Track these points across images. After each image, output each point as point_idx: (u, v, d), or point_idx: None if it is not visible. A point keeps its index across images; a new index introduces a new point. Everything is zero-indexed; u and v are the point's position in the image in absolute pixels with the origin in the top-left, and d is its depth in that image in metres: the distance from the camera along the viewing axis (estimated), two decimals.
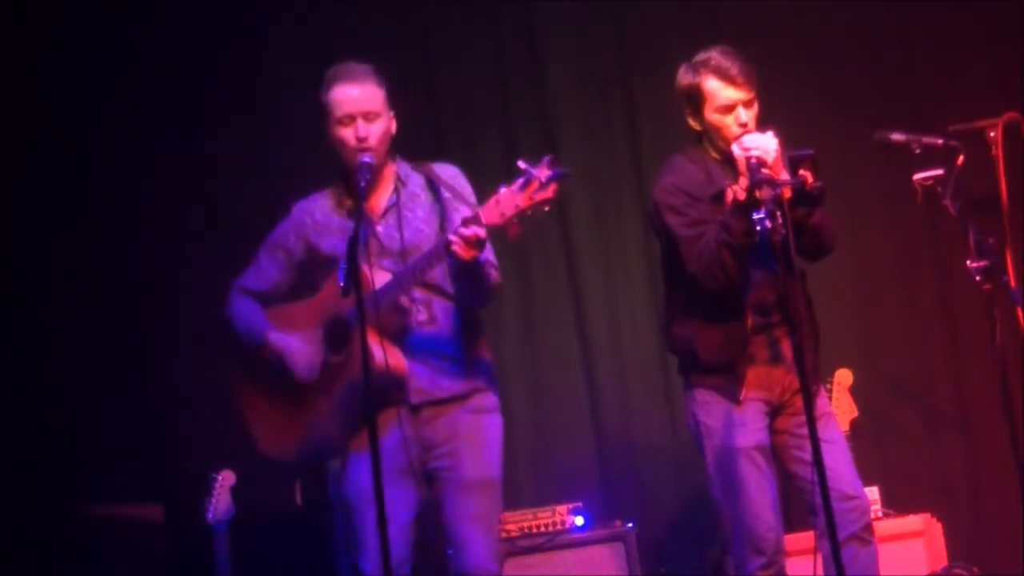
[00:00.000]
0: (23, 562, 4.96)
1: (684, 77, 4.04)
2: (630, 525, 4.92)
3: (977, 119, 4.85)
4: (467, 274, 3.79)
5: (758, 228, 3.54)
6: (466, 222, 3.64)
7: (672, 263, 4.05)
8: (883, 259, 5.59)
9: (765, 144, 3.74)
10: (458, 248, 3.63)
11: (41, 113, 5.37)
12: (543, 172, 3.54)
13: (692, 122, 4.07)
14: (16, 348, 5.19)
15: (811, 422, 3.48)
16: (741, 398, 3.97)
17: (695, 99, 4.01)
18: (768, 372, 4.00)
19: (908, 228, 5.54)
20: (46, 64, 5.38)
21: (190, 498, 4.83)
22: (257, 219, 4.38)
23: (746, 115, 3.96)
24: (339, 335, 3.91)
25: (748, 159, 3.71)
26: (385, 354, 3.77)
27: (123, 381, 5.33)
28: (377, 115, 3.92)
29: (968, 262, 3.91)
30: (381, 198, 3.98)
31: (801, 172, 3.74)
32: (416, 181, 4.03)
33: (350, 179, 3.93)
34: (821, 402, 4.08)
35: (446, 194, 3.96)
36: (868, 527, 3.95)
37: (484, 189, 5.54)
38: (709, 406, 4.03)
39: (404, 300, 3.88)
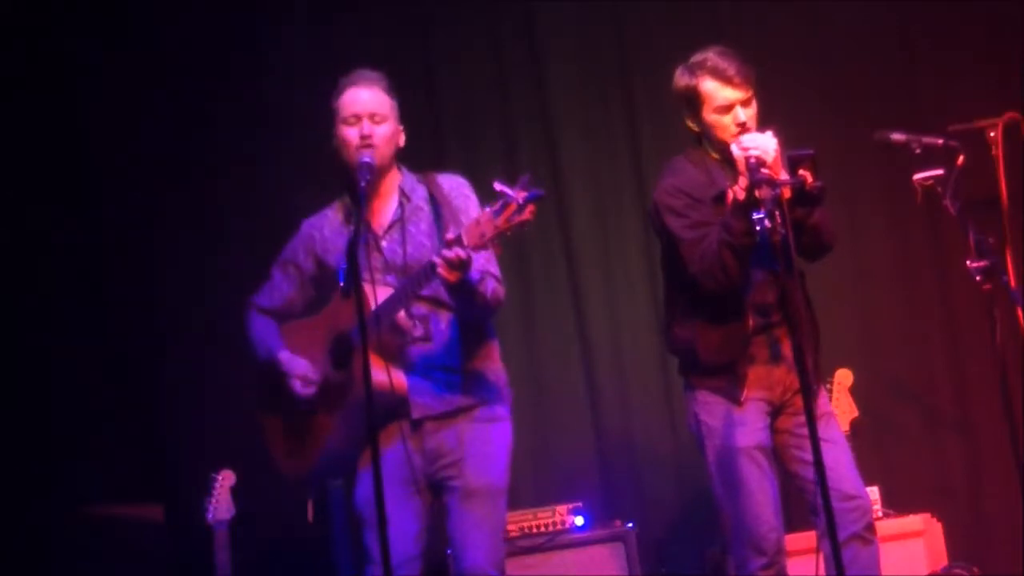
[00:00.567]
0: (23, 562, 4.96)
1: (681, 79, 4.04)
2: (630, 525, 4.92)
3: (977, 119, 4.85)
4: (458, 292, 3.79)
5: (758, 228, 3.54)
6: (449, 244, 3.65)
7: (672, 264, 4.05)
8: (883, 259, 5.59)
9: (764, 144, 3.74)
10: (442, 270, 3.65)
11: (43, 118, 5.37)
12: (520, 194, 3.55)
13: (690, 123, 4.07)
14: (17, 348, 5.19)
15: (811, 422, 3.48)
16: (742, 398, 3.97)
17: (693, 100, 4.01)
18: (769, 372, 4.00)
19: (908, 228, 5.54)
20: (46, 64, 5.38)
21: (190, 498, 4.83)
22: (261, 223, 4.41)
23: (744, 115, 3.95)
24: (342, 352, 3.91)
25: (747, 159, 3.71)
26: (388, 371, 3.79)
27: (123, 381, 5.33)
28: (384, 118, 3.91)
29: (968, 262, 3.91)
30: (386, 212, 3.97)
31: (801, 172, 3.74)
32: (420, 194, 4.01)
33: (351, 181, 3.93)
34: (822, 402, 4.08)
35: (445, 211, 3.95)
36: (870, 527, 3.94)
37: (484, 189, 5.58)
38: (710, 406, 4.03)
39: (402, 317, 3.87)
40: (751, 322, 3.96)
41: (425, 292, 3.84)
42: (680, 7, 5.64)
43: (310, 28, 5.58)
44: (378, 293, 3.79)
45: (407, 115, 4.02)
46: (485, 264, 3.84)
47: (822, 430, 3.62)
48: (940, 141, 4.18)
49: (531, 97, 5.74)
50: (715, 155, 4.04)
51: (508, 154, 5.71)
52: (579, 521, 4.97)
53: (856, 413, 4.98)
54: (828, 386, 4.82)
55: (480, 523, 3.85)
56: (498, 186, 3.59)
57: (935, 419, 5.53)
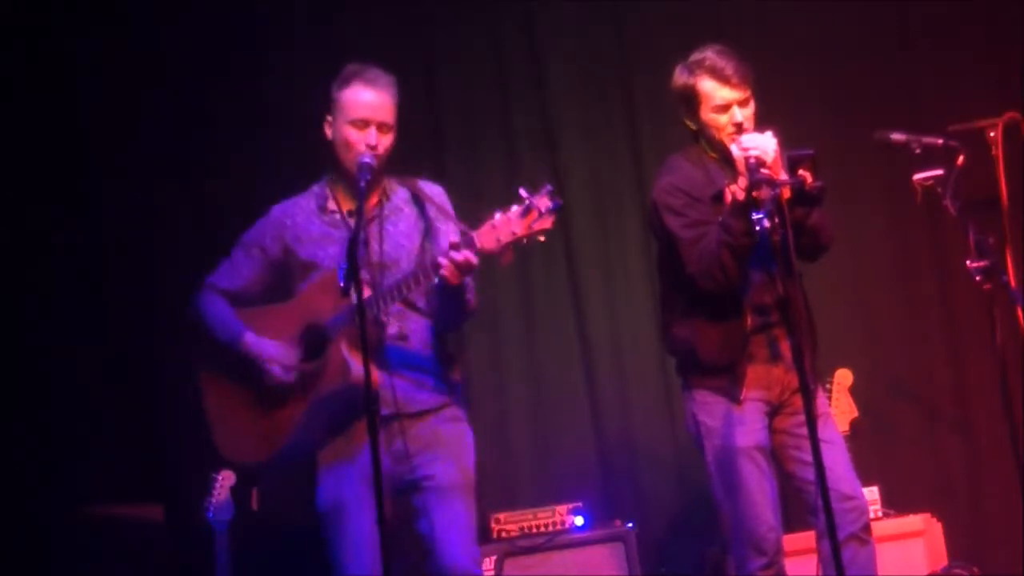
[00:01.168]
0: (23, 562, 4.96)
1: (679, 78, 4.05)
2: (630, 525, 4.92)
3: (977, 119, 4.85)
4: (450, 296, 3.80)
5: (757, 228, 3.54)
6: (456, 246, 3.64)
7: (670, 263, 4.05)
8: (883, 259, 5.59)
9: (764, 144, 3.74)
10: (447, 272, 3.65)
11: (43, 117, 5.37)
12: (543, 202, 3.55)
13: (688, 122, 4.08)
14: (17, 348, 5.19)
15: (811, 422, 3.48)
16: (741, 397, 3.97)
17: (691, 99, 4.02)
18: (767, 371, 4.00)
19: (908, 228, 5.54)
20: (46, 64, 5.38)
21: (190, 498, 4.83)
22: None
23: (741, 114, 3.96)
24: (315, 343, 3.88)
25: (747, 159, 3.71)
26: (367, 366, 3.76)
27: (123, 381, 5.33)
28: (390, 128, 3.91)
29: (968, 262, 3.91)
30: (365, 209, 3.93)
31: (800, 172, 3.74)
32: (401, 195, 4.01)
33: (347, 180, 3.92)
34: (820, 402, 4.08)
35: (432, 211, 3.95)
36: (867, 527, 3.95)
37: (483, 190, 5.60)
38: (709, 406, 4.03)
39: (382, 314, 3.86)
40: (750, 321, 3.96)
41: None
42: (680, 7, 5.64)
43: (310, 28, 5.58)
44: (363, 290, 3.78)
45: (407, 115, 4.02)
46: None
47: (820, 430, 3.62)
48: (940, 141, 4.18)
49: (531, 97, 5.74)
50: (713, 154, 4.04)
51: (508, 154, 5.71)
52: (579, 521, 4.97)
53: (856, 413, 4.98)
54: (827, 386, 4.83)
55: (459, 521, 3.84)
56: (523, 192, 3.60)
57: (935, 419, 5.53)
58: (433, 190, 4.04)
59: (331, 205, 3.98)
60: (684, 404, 4.14)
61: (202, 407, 4.04)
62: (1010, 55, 5.40)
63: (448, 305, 3.88)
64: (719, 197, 3.95)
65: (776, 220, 3.52)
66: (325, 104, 3.97)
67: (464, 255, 3.63)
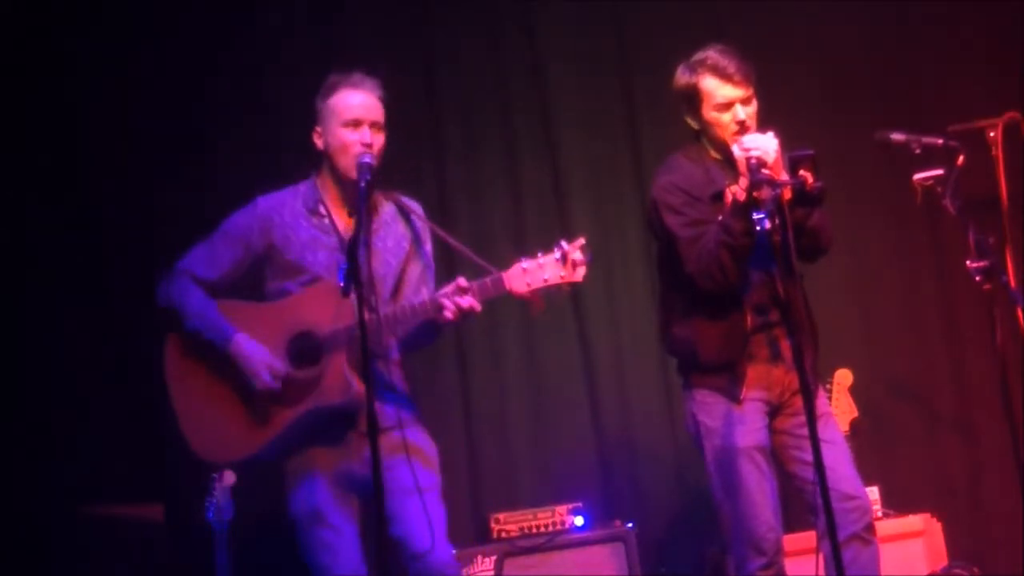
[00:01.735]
0: (23, 562, 4.95)
1: (682, 76, 4.05)
2: (630, 525, 4.92)
3: (977, 119, 4.85)
4: (435, 329, 3.86)
5: (757, 228, 3.54)
6: (463, 290, 3.67)
7: (670, 263, 4.05)
8: (883, 259, 5.60)
9: (765, 144, 3.74)
10: (449, 314, 3.69)
11: (43, 117, 5.36)
12: (577, 255, 3.57)
13: (690, 121, 4.08)
14: (17, 348, 5.19)
15: (811, 423, 3.48)
16: (742, 397, 3.97)
17: (693, 98, 4.02)
18: (767, 371, 4.00)
19: (908, 228, 5.54)
20: (45, 63, 5.37)
21: (190, 498, 4.82)
22: None
23: (743, 113, 3.96)
24: (306, 351, 3.86)
25: (748, 159, 3.71)
26: (357, 381, 3.79)
27: (124, 380, 5.33)
28: (381, 128, 3.93)
29: (968, 262, 3.91)
30: (353, 224, 3.89)
31: (801, 172, 3.74)
32: (388, 210, 4.02)
33: (340, 186, 3.92)
34: (820, 402, 4.08)
35: (418, 226, 3.96)
36: (869, 527, 3.95)
37: (483, 190, 5.60)
38: (709, 406, 4.03)
39: (385, 336, 3.90)
40: (750, 321, 3.96)
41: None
42: (680, 7, 5.64)
43: (310, 28, 5.58)
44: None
45: (407, 115, 4.02)
46: None
47: (821, 431, 3.62)
48: (940, 141, 4.18)
49: (531, 97, 5.73)
50: (714, 153, 4.04)
51: (508, 154, 5.71)
52: (579, 521, 4.97)
53: (856, 413, 4.98)
54: (828, 386, 4.83)
55: (438, 520, 3.84)
56: (563, 243, 3.66)
57: (935, 419, 5.53)
58: (414, 207, 4.06)
59: (321, 209, 3.97)
60: (684, 404, 4.14)
61: (169, 398, 3.99)
62: (1010, 55, 5.41)
63: (426, 333, 3.95)
64: (719, 196, 3.95)
65: (777, 220, 3.52)
66: (317, 118, 3.98)
67: (468, 302, 3.68)
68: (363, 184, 3.74)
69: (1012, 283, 4.17)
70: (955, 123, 4.69)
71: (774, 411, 4.04)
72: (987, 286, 3.90)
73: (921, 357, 5.56)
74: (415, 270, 4.01)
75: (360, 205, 3.71)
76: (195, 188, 5.45)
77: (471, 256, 3.89)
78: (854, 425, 4.94)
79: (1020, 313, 4.32)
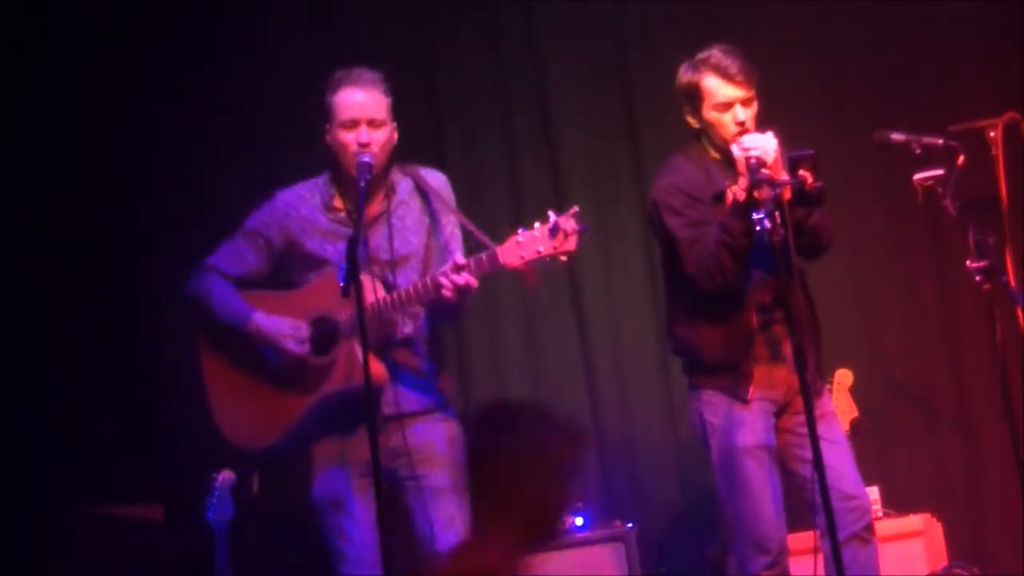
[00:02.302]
0: (23, 562, 4.95)
1: (684, 75, 4.05)
2: (630, 525, 4.91)
3: (977, 119, 4.85)
4: (448, 307, 3.86)
5: (757, 228, 3.54)
6: (459, 268, 3.68)
7: (673, 264, 4.05)
8: (883, 259, 5.59)
9: (765, 144, 3.74)
10: (448, 292, 3.70)
11: (43, 117, 5.36)
12: (569, 223, 3.58)
13: (691, 120, 4.08)
14: (17, 348, 5.19)
15: (811, 422, 3.48)
16: (748, 397, 3.97)
17: (694, 97, 4.02)
18: (771, 371, 4.00)
19: (908, 228, 5.53)
20: (45, 61, 5.37)
21: (190, 498, 4.82)
22: None
23: (744, 113, 3.96)
24: (325, 336, 3.91)
25: (748, 159, 3.71)
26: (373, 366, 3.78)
27: (124, 381, 5.33)
28: (382, 123, 3.94)
29: (968, 262, 3.91)
30: (372, 206, 3.98)
31: (801, 172, 3.74)
32: (404, 187, 4.04)
33: (346, 183, 3.94)
34: (824, 401, 4.08)
35: (435, 202, 3.97)
36: (869, 527, 3.95)
37: (483, 189, 5.60)
38: (715, 406, 4.03)
39: (397, 314, 3.92)
40: (754, 320, 3.96)
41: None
42: (680, 7, 5.63)
43: (310, 28, 5.58)
44: (376, 288, 3.81)
45: (407, 115, 4.02)
46: None
47: (823, 430, 3.62)
48: (940, 141, 4.18)
49: (531, 97, 5.73)
50: (714, 154, 4.04)
51: (508, 153, 5.70)
52: (579, 521, 4.96)
53: (856, 413, 4.97)
54: (828, 386, 4.82)
55: (456, 521, 3.85)
56: (552, 214, 3.66)
57: (935, 419, 5.52)
58: (436, 179, 4.08)
59: (336, 203, 4.02)
60: (690, 403, 4.14)
61: (202, 390, 4.07)
62: (1010, 55, 5.40)
63: (444, 311, 3.94)
64: (720, 197, 3.95)
65: (777, 220, 3.52)
66: (320, 108, 4.00)
67: (465, 279, 3.69)
68: (362, 183, 3.80)
69: (1012, 283, 4.16)
70: (955, 123, 4.68)
71: (779, 410, 4.05)
72: (987, 286, 3.90)
73: (921, 357, 5.55)
74: (435, 247, 4.03)
75: (359, 204, 3.76)
76: (195, 188, 5.46)
77: (473, 230, 3.93)
78: (854, 425, 4.94)
79: (1020, 313, 4.31)
